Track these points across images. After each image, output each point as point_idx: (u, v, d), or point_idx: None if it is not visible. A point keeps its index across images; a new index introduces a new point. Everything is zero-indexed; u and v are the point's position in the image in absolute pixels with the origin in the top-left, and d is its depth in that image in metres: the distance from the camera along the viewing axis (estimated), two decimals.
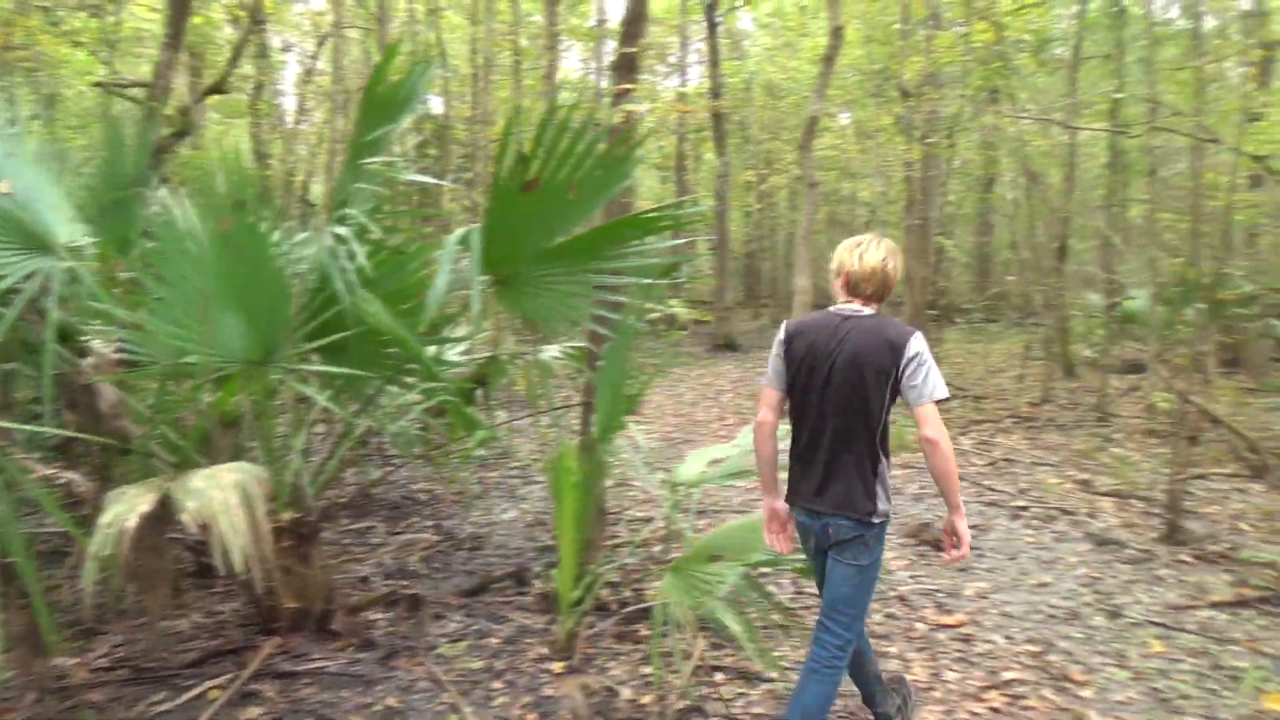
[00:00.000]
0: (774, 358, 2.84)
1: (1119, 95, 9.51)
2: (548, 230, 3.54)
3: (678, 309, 4.34)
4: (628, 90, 3.82)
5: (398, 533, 5.34)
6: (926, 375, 2.63)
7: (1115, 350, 11.41)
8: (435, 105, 14.62)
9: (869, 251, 2.79)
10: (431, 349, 3.70)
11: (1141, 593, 4.44)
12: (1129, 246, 12.27)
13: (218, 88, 9.48)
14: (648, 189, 31.19)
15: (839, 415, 2.71)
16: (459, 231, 3.34)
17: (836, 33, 8.87)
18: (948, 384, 2.75)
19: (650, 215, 3.61)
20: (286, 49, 16.40)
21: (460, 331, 4.68)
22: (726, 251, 17.41)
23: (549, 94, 12.28)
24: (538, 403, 5.13)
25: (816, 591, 2.98)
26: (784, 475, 2.92)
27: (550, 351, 4.62)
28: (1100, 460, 7.39)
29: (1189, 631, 3.96)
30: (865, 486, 2.71)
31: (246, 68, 15.38)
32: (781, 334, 2.84)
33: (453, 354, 5.39)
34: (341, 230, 3.34)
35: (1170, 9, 16.51)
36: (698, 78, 22.78)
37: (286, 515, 3.53)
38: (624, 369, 3.60)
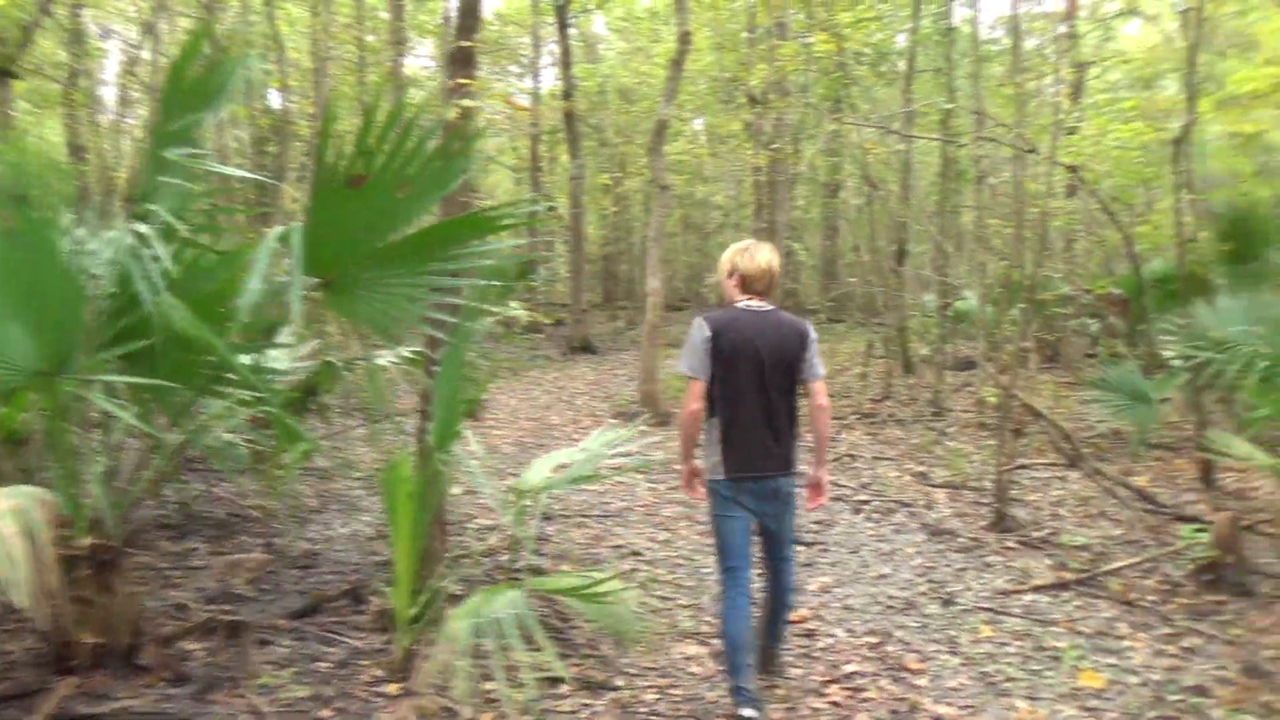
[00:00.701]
0: (700, 353, 3.16)
1: (949, 106, 10.02)
2: (377, 230, 3.35)
3: (518, 311, 4.22)
4: (463, 85, 3.67)
5: (223, 553, 4.97)
6: (817, 356, 3.28)
7: (949, 348, 12.04)
8: (274, 99, 13.93)
9: (759, 253, 3.27)
10: (248, 357, 3.43)
11: (972, 579, 4.64)
12: (960, 250, 12.99)
13: (5, 71, 8.67)
14: (504, 190, 30.82)
15: (776, 395, 3.19)
16: (277, 230, 3.10)
17: (684, 38, 8.96)
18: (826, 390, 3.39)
19: (488, 215, 3.48)
20: (106, 35, 15.18)
21: (291, 336, 4.41)
22: (581, 254, 17.36)
23: (395, 91, 11.89)
24: (376, 411, 4.89)
25: (716, 554, 3.39)
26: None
27: (386, 357, 4.41)
28: (935, 453, 7.75)
29: (1015, 615, 4.15)
30: (794, 449, 3.30)
31: (61, 55, 14.20)
32: (706, 331, 3.16)
33: (277, 361, 5.09)
34: (142, 228, 3.05)
35: (995, 29, 17.63)
36: (552, 79, 22.69)
37: (86, 541, 3.20)
38: (460, 374, 3.45)
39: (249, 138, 13.82)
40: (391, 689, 3.33)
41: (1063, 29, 16.29)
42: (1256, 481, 6.30)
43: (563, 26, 16.07)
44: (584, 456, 4.03)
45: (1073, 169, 7.18)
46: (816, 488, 3.46)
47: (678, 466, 3.33)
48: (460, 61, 3.72)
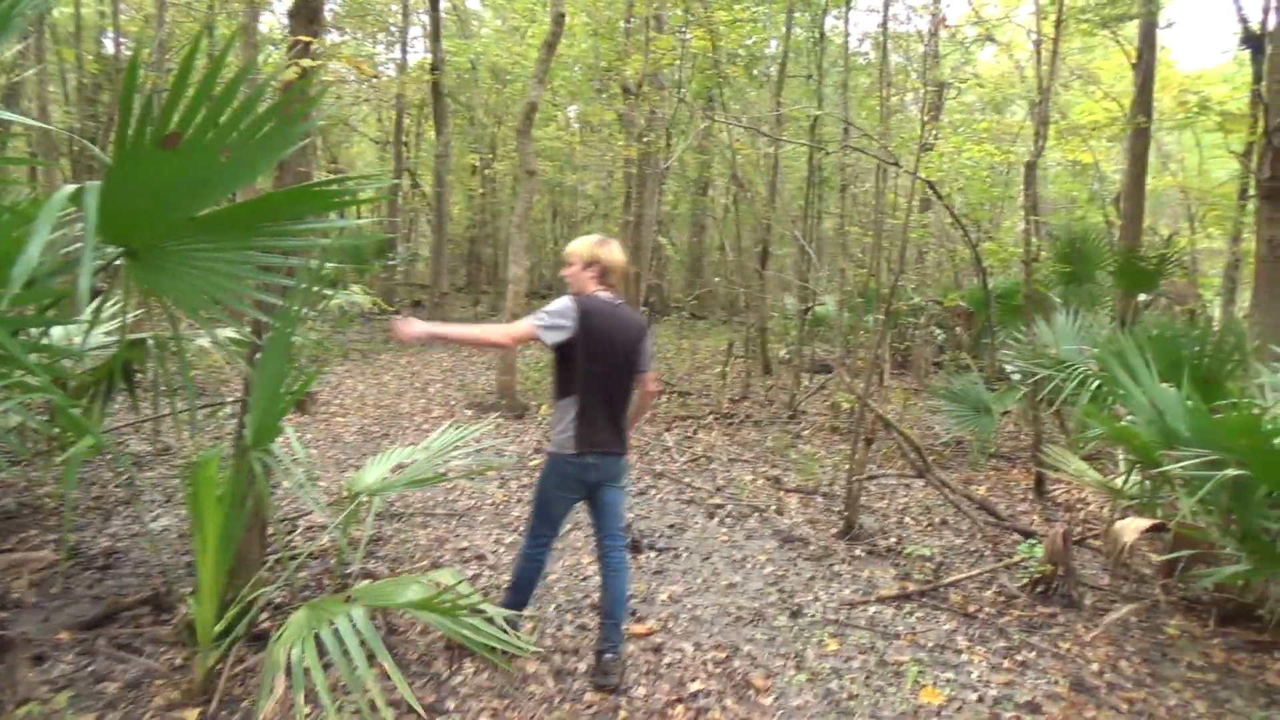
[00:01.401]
0: (560, 322, 3.29)
1: (817, 113, 10.14)
2: (194, 197, 2.94)
3: (357, 296, 3.88)
4: (306, 43, 3.30)
5: (6, 550, 4.39)
6: (651, 347, 3.63)
7: (807, 351, 12.27)
8: (108, 44, 12.72)
9: (617, 248, 3.52)
10: (28, 332, 2.96)
11: (821, 589, 4.61)
12: (821, 256, 13.27)
13: None
14: (366, 163, 29.58)
15: (627, 380, 3.50)
16: (67, 189, 2.67)
17: (558, 19, 8.68)
18: (659, 380, 3.68)
19: (326, 189, 3.13)
20: None
21: (97, 311, 3.90)
22: (444, 235, 16.77)
23: (246, 48, 11.05)
24: (193, 396, 4.41)
25: (534, 522, 3.55)
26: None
27: (206, 338, 3.97)
28: (790, 457, 7.80)
29: (860, 627, 4.13)
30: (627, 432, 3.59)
31: None
32: (574, 310, 3.32)
33: (71, 339, 4.54)
34: None
35: (864, 43, 18.13)
36: (421, 52, 21.84)
37: None
38: (283, 362, 3.09)
39: (76, 85, 12.55)
40: (189, 715, 2.96)
41: (928, 48, 16.95)
42: (1085, 495, 6.62)
43: None
44: (424, 456, 3.74)
45: (930, 184, 7.35)
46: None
47: (430, 332, 3.21)
48: (303, 18, 3.35)
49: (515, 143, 15.47)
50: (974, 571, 4.86)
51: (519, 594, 3.60)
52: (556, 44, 8.73)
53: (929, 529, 5.79)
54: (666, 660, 3.68)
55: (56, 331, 5.01)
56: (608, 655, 3.45)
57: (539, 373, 11.64)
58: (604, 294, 3.45)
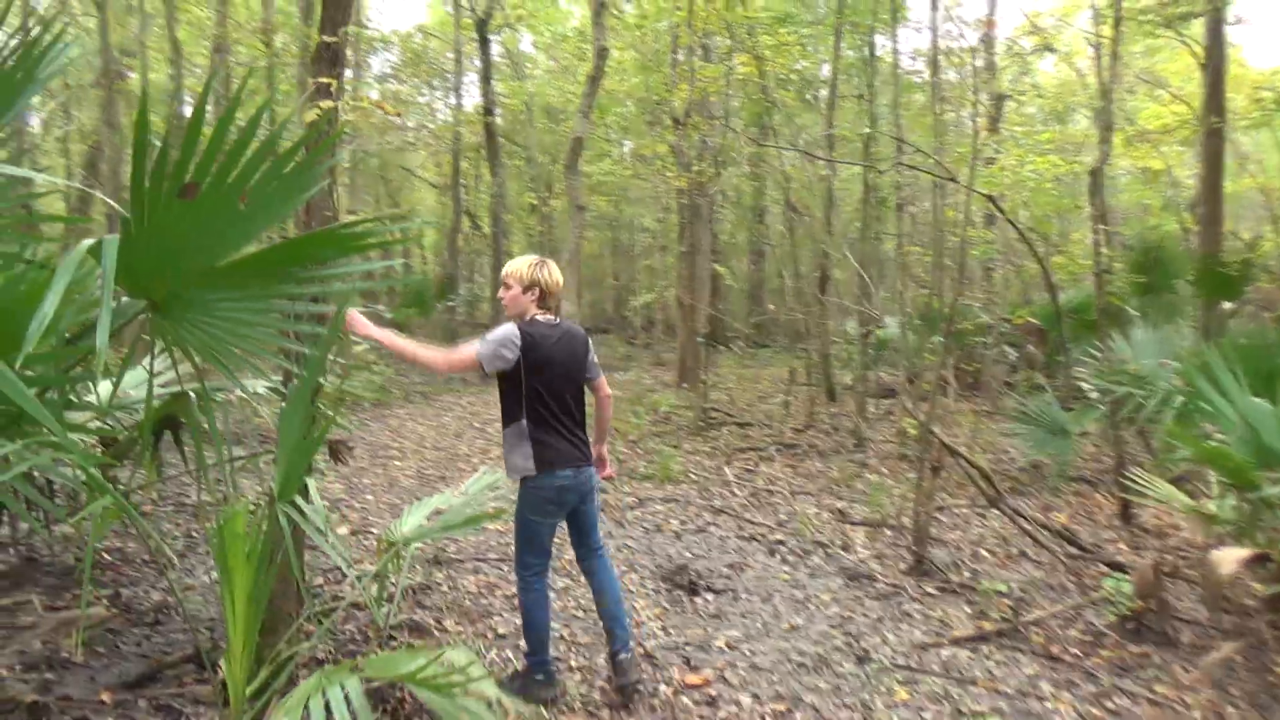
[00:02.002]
0: (503, 352, 3.33)
1: (870, 131, 9.90)
2: (214, 246, 2.88)
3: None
4: (327, 85, 3.25)
5: (60, 607, 4.38)
6: (595, 357, 3.70)
7: (872, 376, 11.92)
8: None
9: (555, 269, 3.52)
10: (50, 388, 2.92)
11: (889, 631, 4.33)
12: (882, 278, 12.94)
13: None
14: (427, 208, 30.15)
15: (578, 397, 3.55)
16: (86, 242, 2.63)
17: (601, 53, 8.65)
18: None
19: (348, 231, 3.05)
20: None
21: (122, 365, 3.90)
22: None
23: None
24: (219, 445, 4.38)
25: (523, 553, 3.58)
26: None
27: (244, 387, 3.93)
28: (855, 488, 7.50)
29: (933, 673, 3.85)
30: (589, 443, 3.65)
31: None
32: (517, 338, 3.34)
33: (106, 394, 4.55)
34: None
35: (915, 60, 17.84)
36: (478, 97, 22.19)
37: None
38: (307, 411, 2.99)
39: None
40: None
41: (980, 61, 16.57)
42: (1177, 520, 6.19)
43: (483, 41, 15.68)
44: (460, 501, 3.60)
45: (990, 198, 7.05)
46: (601, 461, 3.85)
47: (367, 330, 3.33)
48: (325, 60, 3.30)
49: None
50: (1056, 608, 4.52)
51: (538, 633, 3.51)
52: (600, 78, 8.70)
53: (1006, 561, 5.45)
54: (722, 715, 3.45)
55: (104, 388, 5.07)
56: (623, 655, 3.54)
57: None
58: (543, 317, 3.47)
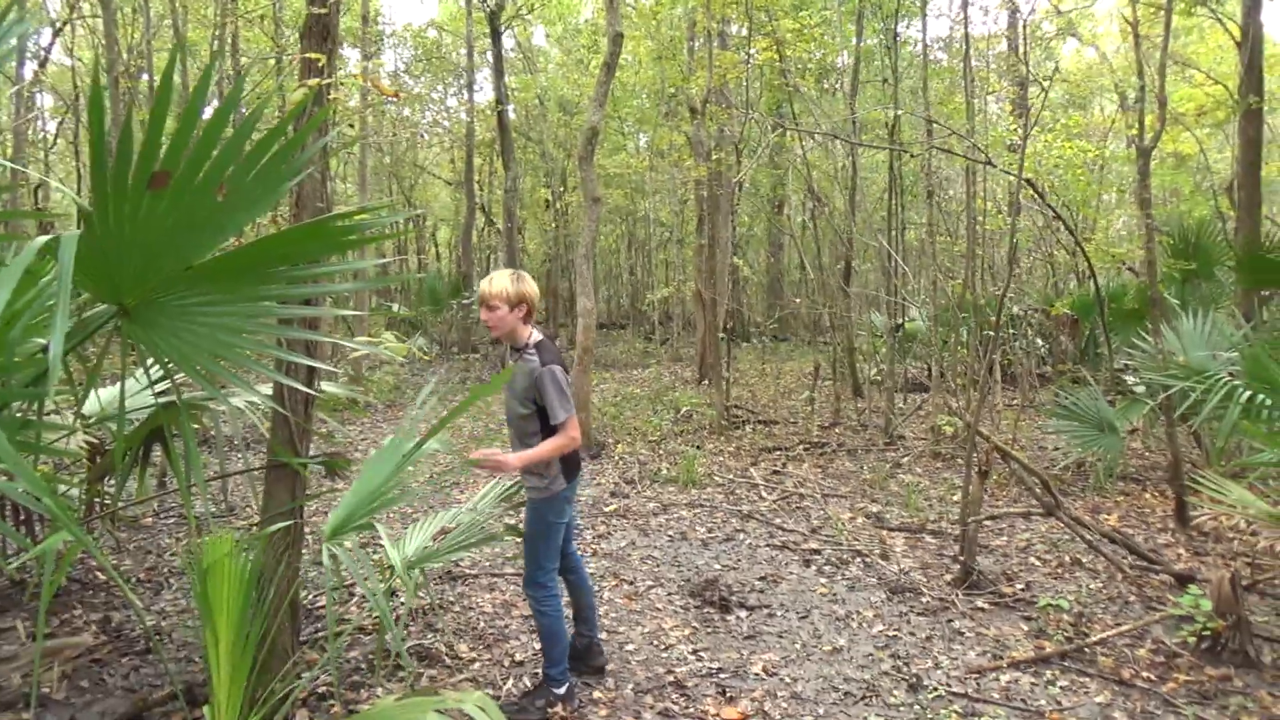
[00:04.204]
0: (570, 390, 3.38)
1: (898, 112, 9.49)
2: (190, 243, 2.56)
3: (389, 347, 3.49)
4: (316, 62, 2.92)
5: (47, 634, 4.10)
6: None
7: (900, 369, 11.53)
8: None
9: (530, 279, 3.44)
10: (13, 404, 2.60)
11: (941, 653, 3.97)
12: (909, 268, 12.52)
13: None
14: (441, 204, 29.90)
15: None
16: (39, 240, 2.31)
17: (616, 39, 8.30)
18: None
19: (341, 224, 2.72)
20: None
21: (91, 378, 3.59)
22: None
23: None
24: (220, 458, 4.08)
25: (541, 561, 3.48)
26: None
27: (241, 400, 3.63)
28: (891, 489, 7.13)
29: (994, 702, 3.49)
30: None
31: None
32: (565, 373, 3.37)
33: (110, 404, 4.26)
34: None
35: (937, 48, 17.38)
36: (491, 92, 21.85)
37: None
38: (397, 463, 2.67)
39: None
40: None
41: (1003, 48, 16.09)
42: (1236, 522, 5.79)
43: (495, 34, 15.35)
44: (469, 519, 3.27)
45: (1029, 182, 6.65)
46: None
47: (517, 465, 3.29)
48: (315, 35, 2.97)
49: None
50: (1123, 626, 4.14)
51: (562, 645, 3.46)
52: (615, 65, 8.35)
53: (1059, 570, 5.07)
54: None
55: (105, 395, 4.78)
56: (599, 638, 3.80)
57: (615, 407, 11.19)
58: (537, 332, 3.46)
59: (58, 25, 16.66)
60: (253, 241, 2.59)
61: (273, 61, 14.04)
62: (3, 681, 3.57)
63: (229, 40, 12.70)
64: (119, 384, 4.48)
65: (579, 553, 3.94)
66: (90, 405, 4.11)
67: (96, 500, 4.71)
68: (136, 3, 13.45)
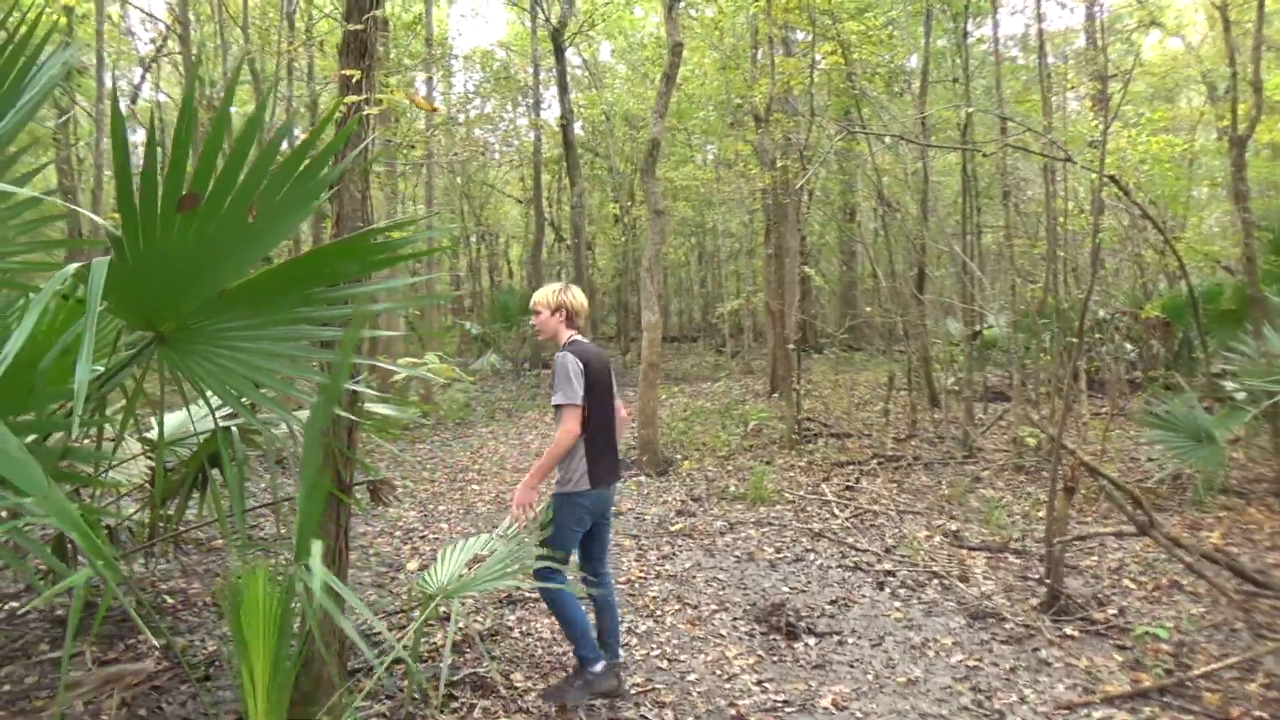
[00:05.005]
0: (579, 383, 3.53)
1: (970, 109, 9.13)
2: (223, 266, 2.51)
3: (428, 366, 3.44)
4: (354, 79, 2.86)
5: (111, 660, 4.12)
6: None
7: (978, 379, 11.08)
8: None
9: (578, 292, 3.77)
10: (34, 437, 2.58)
11: (1027, 685, 3.69)
12: (985, 273, 12.08)
13: None
14: (511, 222, 30.19)
15: (614, 412, 3.79)
16: (70, 267, 2.28)
17: (675, 49, 8.18)
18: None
19: (375, 242, 2.63)
20: (82, 70, 14.57)
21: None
22: (584, 285, 16.55)
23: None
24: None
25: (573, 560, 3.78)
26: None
27: (286, 423, 3.58)
28: (969, 505, 6.79)
29: None
30: None
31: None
32: (580, 365, 3.56)
33: (180, 428, 4.28)
34: None
35: (1010, 46, 16.87)
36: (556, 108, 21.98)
37: None
38: (319, 456, 2.57)
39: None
40: None
41: (1082, 43, 15.47)
42: None
43: (559, 52, 15.42)
44: (508, 549, 3.13)
45: (1114, 179, 6.27)
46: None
47: (526, 488, 3.55)
48: (352, 51, 2.91)
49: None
50: (1230, 658, 3.80)
51: (580, 628, 3.57)
52: (675, 76, 8.23)
53: (1156, 595, 4.71)
54: None
55: (171, 419, 4.82)
56: (619, 660, 3.76)
57: (684, 422, 11.01)
58: (580, 337, 3.73)
59: (146, 62, 17.39)
60: (284, 263, 2.52)
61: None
62: (67, 709, 3.58)
63: (296, 66, 12.99)
64: (179, 410, 4.51)
65: (609, 579, 3.88)
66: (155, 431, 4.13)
67: (160, 525, 4.75)
68: (216, 41, 13.90)
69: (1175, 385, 8.71)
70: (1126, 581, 4.94)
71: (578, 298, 3.75)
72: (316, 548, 2.18)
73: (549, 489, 3.90)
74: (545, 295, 3.75)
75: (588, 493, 3.56)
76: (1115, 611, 4.46)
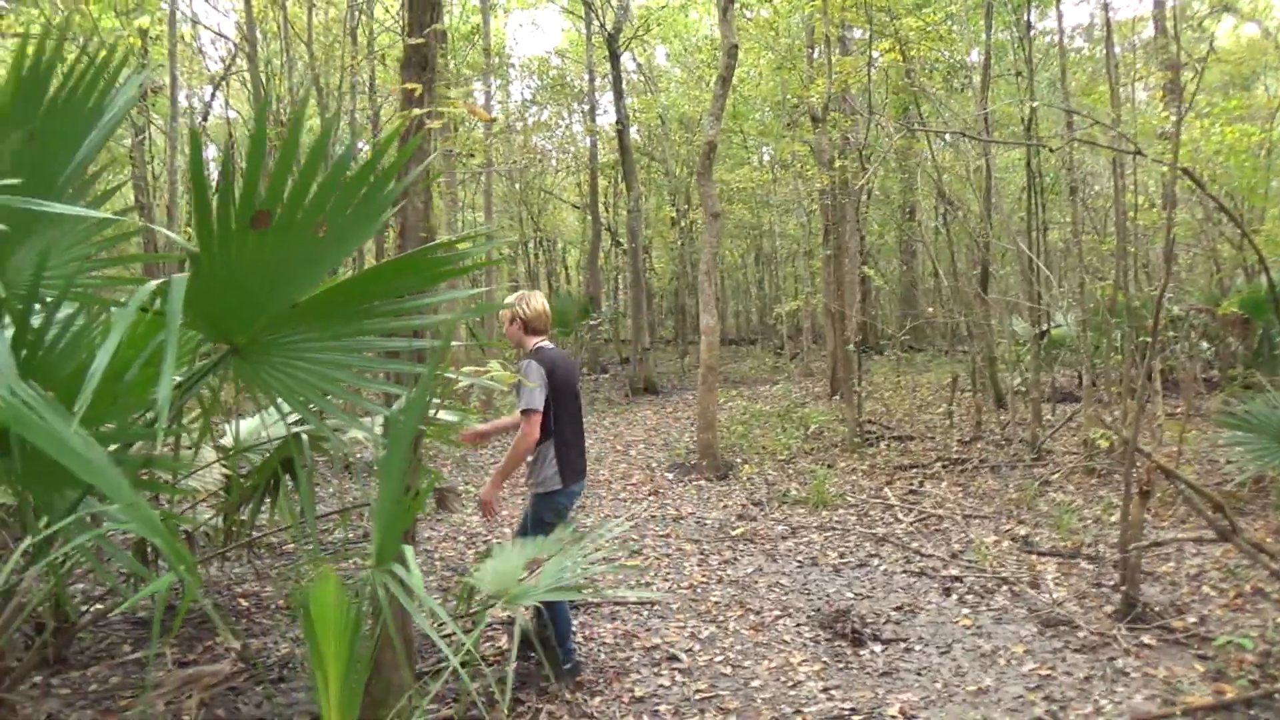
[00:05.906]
0: (540, 389, 3.74)
1: (1034, 104, 8.93)
2: (295, 280, 2.58)
3: (495, 374, 3.47)
4: (416, 93, 2.92)
5: (190, 661, 4.25)
6: None
7: (1045, 379, 10.82)
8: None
9: (536, 298, 3.96)
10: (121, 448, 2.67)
11: (1102, 696, 3.59)
12: (1052, 270, 11.79)
13: None
14: (569, 227, 30.41)
15: (579, 414, 4.05)
16: (151, 284, 2.36)
17: (731, 51, 8.17)
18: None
19: (437, 256, 2.68)
20: (156, 89, 15.10)
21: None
22: (640, 291, 16.62)
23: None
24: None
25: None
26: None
27: (355, 431, 3.66)
28: (1040, 509, 6.63)
29: None
30: None
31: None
32: (544, 371, 3.78)
33: (253, 434, 4.40)
34: None
35: (1073, 37, 16.45)
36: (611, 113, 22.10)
37: None
38: (405, 465, 2.63)
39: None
40: None
41: (1150, 32, 15.00)
42: None
43: (614, 57, 15.49)
44: (571, 558, 3.13)
45: (1187, 172, 6.07)
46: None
47: (489, 490, 3.89)
48: (414, 65, 2.97)
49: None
50: None
51: (567, 633, 3.87)
52: (730, 77, 8.21)
53: (1238, 602, 4.54)
54: None
55: (245, 427, 4.96)
56: (580, 662, 3.98)
57: (744, 426, 10.96)
58: (547, 343, 3.94)
59: (216, 80, 17.93)
60: (352, 277, 2.59)
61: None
62: (151, 709, 3.70)
63: (358, 79, 13.28)
64: (253, 418, 4.63)
65: None
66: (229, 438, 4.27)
67: (235, 529, 4.89)
68: (283, 58, 14.27)
69: (1256, 384, 8.38)
70: (1206, 589, 4.77)
71: (531, 305, 3.92)
72: (409, 554, 2.22)
73: (512, 489, 4.19)
74: (508, 308, 3.98)
75: (560, 490, 3.84)
76: (1195, 620, 4.31)
